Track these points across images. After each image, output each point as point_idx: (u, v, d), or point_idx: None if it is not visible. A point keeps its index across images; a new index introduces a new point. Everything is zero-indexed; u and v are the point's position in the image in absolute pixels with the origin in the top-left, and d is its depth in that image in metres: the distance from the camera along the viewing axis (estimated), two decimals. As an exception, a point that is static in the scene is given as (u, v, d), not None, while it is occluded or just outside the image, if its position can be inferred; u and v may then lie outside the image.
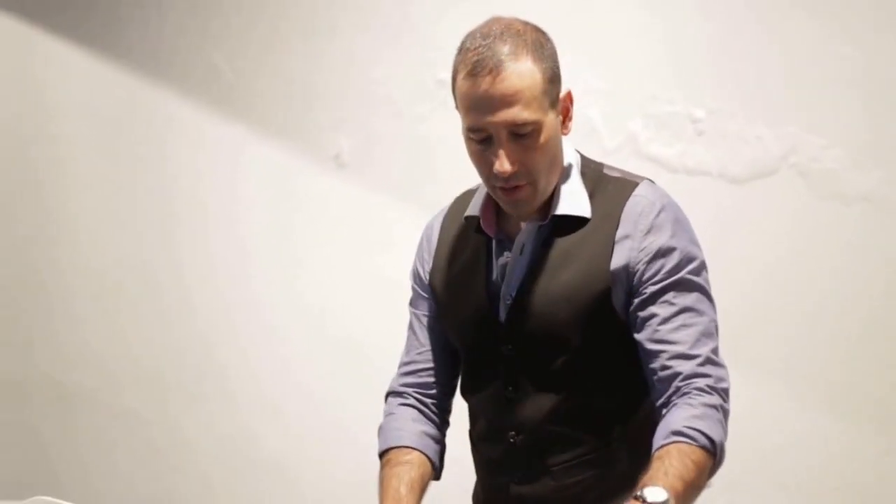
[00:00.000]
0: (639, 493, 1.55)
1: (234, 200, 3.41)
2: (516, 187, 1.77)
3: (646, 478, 1.61)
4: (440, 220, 2.03)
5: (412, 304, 2.06)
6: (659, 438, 1.69)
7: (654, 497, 1.54)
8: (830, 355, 2.59)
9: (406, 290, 2.07)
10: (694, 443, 1.67)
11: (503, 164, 1.74)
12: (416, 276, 2.04)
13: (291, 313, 3.33)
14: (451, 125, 2.88)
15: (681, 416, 1.70)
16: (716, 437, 1.69)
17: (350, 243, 3.23)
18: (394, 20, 3.12)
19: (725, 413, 1.75)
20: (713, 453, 1.69)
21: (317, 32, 3.23)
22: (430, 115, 3.07)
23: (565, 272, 1.82)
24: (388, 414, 2.01)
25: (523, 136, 1.74)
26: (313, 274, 3.29)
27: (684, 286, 1.78)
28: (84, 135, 3.65)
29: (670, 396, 1.74)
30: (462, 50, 1.75)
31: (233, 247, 3.43)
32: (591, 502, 1.86)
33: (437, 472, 1.97)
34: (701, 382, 1.73)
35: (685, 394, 1.72)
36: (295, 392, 3.35)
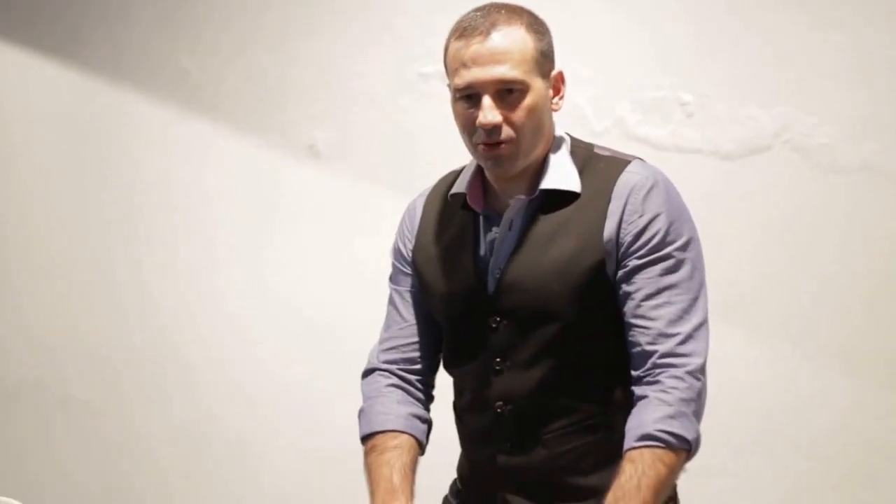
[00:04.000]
0: None
1: (202, 193, 3.36)
2: (499, 143, 1.77)
3: (617, 489, 1.66)
4: (423, 199, 2.03)
5: (392, 280, 2.04)
6: (631, 438, 1.72)
7: None
8: (830, 323, 2.61)
9: (380, 276, 2.06)
10: (667, 447, 1.69)
11: (486, 116, 1.75)
12: (398, 253, 2.03)
13: (259, 301, 3.28)
14: (433, 116, 2.90)
15: (653, 416, 1.71)
16: (689, 435, 1.71)
17: (322, 231, 3.19)
18: (375, 19, 3.12)
19: (700, 396, 1.75)
20: (687, 450, 1.72)
21: (293, 33, 3.22)
22: (411, 106, 3.07)
23: (556, 245, 1.81)
24: (370, 396, 1.98)
25: (510, 95, 1.76)
26: (282, 260, 3.25)
27: (671, 262, 1.78)
28: (40, 134, 3.60)
29: (646, 374, 1.75)
30: (457, 22, 1.81)
31: (199, 238, 3.37)
32: (585, 470, 1.85)
33: (423, 450, 1.95)
34: (678, 370, 1.73)
35: (659, 382, 1.73)
36: (261, 378, 3.29)
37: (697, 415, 1.74)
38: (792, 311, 2.61)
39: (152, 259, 3.43)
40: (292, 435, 3.22)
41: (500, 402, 1.86)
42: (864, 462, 2.57)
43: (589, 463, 1.84)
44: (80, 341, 3.55)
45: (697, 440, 1.72)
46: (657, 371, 1.74)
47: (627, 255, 1.77)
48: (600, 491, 1.80)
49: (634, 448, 1.69)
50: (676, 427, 1.69)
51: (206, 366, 3.35)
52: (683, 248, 1.78)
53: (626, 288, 1.78)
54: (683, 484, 1.95)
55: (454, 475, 2.03)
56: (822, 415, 2.59)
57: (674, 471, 1.70)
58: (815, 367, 2.59)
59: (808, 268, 2.60)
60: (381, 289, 2.04)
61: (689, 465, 1.95)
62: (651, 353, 1.74)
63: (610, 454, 1.76)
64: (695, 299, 1.78)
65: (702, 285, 1.81)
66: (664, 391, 1.72)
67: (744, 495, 2.66)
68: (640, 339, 1.76)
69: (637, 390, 1.76)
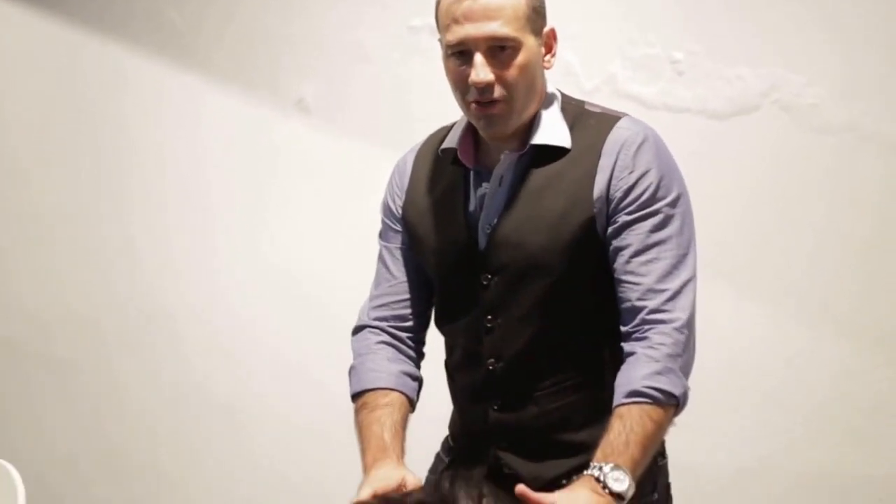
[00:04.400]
0: (600, 476, 1.60)
1: (191, 147, 3.32)
2: (492, 102, 1.77)
3: (606, 446, 1.65)
4: (413, 154, 2.01)
5: (382, 237, 2.03)
6: (619, 395, 1.72)
7: (617, 485, 1.60)
8: (817, 282, 2.63)
9: (371, 233, 2.05)
10: (654, 403, 1.70)
11: (478, 74, 1.74)
12: (387, 210, 2.02)
13: (248, 259, 3.26)
14: (424, 70, 2.88)
15: (641, 372, 1.71)
16: (677, 391, 1.72)
17: (312, 187, 3.17)
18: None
19: (686, 351, 1.76)
20: (675, 405, 1.72)
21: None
22: (401, 60, 3.04)
23: (547, 201, 1.80)
24: (360, 354, 1.97)
25: (502, 52, 1.74)
26: (271, 216, 3.22)
27: (660, 218, 1.78)
28: (28, 87, 3.54)
29: (635, 330, 1.76)
30: None
31: (187, 195, 3.34)
32: (574, 426, 1.86)
33: (414, 407, 1.95)
34: (665, 326, 1.74)
35: (647, 338, 1.74)
36: (250, 339, 3.27)
37: (685, 370, 1.75)
38: (779, 270, 2.63)
39: (140, 216, 3.41)
40: (279, 396, 3.22)
41: (492, 360, 1.86)
42: (852, 420, 2.59)
43: (579, 419, 1.85)
44: (65, 300, 3.53)
45: (685, 395, 1.73)
46: (645, 327, 1.74)
47: (617, 210, 1.77)
48: (590, 447, 1.81)
49: (623, 404, 1.70)
50: (664, 383, 1.70)
51: (193, 326, 3.34)
52: (673, 203, 1.78)
53: (615, 244, 1.78)
54: (671, 439, 1.96)
55: (446, 432, 2.04)
56: (810, 373, 2.61)
57: (662, 426, 1.71)
58: (802, 326, 2.61)
59: (795, 226, 2.61)
60: (372, 245, 2.03)
61: (678, 420, 1.97)
62: (640, 309, 1.75)
63: (599, 411, 1.77)
64: (684, 255, 1.79)
65: (691, 241, 1.81)
66: (652, 347, 1.72)
67: (731, 452, 2.68)
68: (630, 294, 1.76)
69: (626, 346, 1.76)
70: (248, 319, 3.25)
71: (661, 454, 1.92)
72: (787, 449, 2.64)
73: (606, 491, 1.57)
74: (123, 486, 3.42)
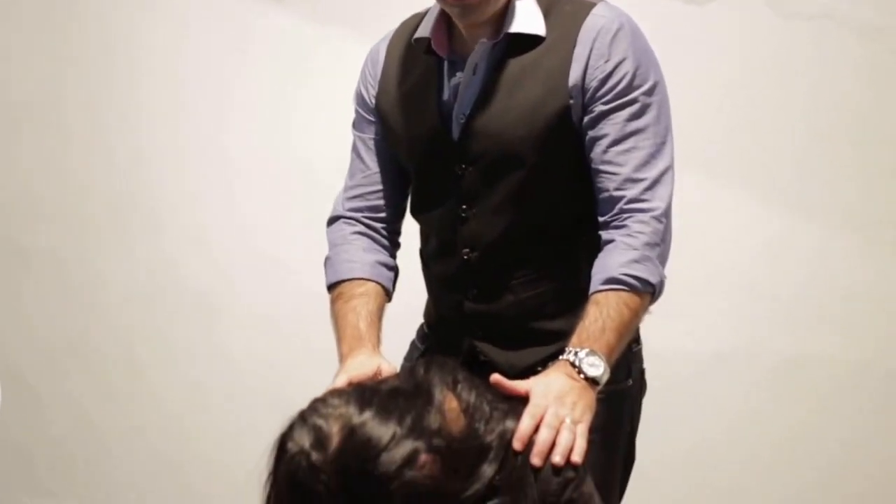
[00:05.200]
0: (575, 360, 1.59)
1: (171, 39, 3.24)
2: None
3: (581, 332, 1.65)
4: (386, 43, 1.98)
5: (356, 126, 2.02)
6: (596, 282, 1.72)
7: (592, 371, 1.59)
8: (792, 171, 2.63)
9: (346, 122, 2.03)
10: (631, 290, 1.70)
11: None
12: (360, 99, 2.00)
13: (225, 145, 3.21)
14: None
15: (619, 260, 1.72)
16: (653, 279, 1.72)
17: (287, 77, 3.12)
18: None
19: (664, 241, 1.76)
20: (651, 293, 1.73)
21: None
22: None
23: (521, 90, 1.79)
24: (335, 244, 1.97)
25: None
26: (248, 106, 3.16)
27: (637, 107, 1.77)
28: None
29: (613, 219, 1.76)
30: None
31: (162, 82, 3.28)
32: (550, 315, 1.88)
33: (390, 297, 1.95)
34: (644, 215, 1.74)
35: (625, 226, 1.74)
36: (226, 230, 3.25)
37: (662, 258, 1.75)
38: (754, 159, 2.63)
39: (116, 106, 3.35)
40: (257, 289, 3.22)
41: (467, 249, 1.86)
42: (826, 306, 2.62)
43: (554, 308, 1.86)
44: (39, 190, 3.49)
45: (661, 284, 1.74)
46: (624, 216, 1.74)
47: (594, 100, 1.76)
48: (565, 334, 1.82)
49: (599, 291, 1.70)
50: (641, 271, 1.71)
51: (172, 218, 3.32)
52: (650, 92, 1.77)
53: (592, 134, 1.77)
54: (646, 326, 1.98)
55: (421, 321, 2.05)
56: (784, 261, 2.63)
57: (637, 314, 1.72)
58: (776, 212, 2.62)
59: (771, 113, 2.61)
60: (348, 135, 2.02)
61: (653, 308, 1.99)
62: (618, 199, 1.75)
63: (575, 299, 1.77)
64: (662, 144, 1.78)
65: (668, 130, 1.80)
66: (630, 235, 1.73)
67: (705, 338, 2.71)
68: (607, 184, 1.76)
69: (604, 234, 1.76)
70: (226, 212, 3.23)
71: (636, 340, 1.95)
72: (761, 335, 2.67)
73: (581, 376, 1.58)
74: (99, 380, 3.43)
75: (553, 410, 1.48)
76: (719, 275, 2.67)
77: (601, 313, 1.67)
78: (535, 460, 1.43)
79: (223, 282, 3.25)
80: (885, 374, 2.58)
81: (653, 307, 1.93)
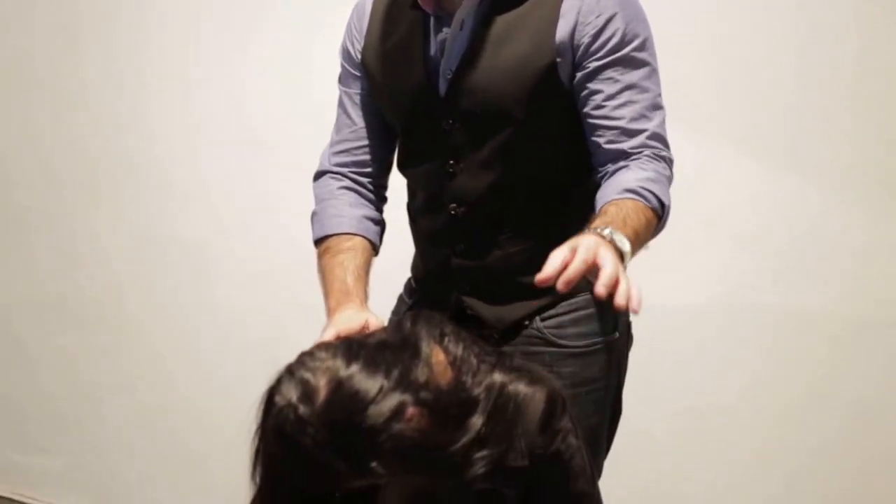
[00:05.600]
0: (604, 231, 1.50)
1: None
2: None
3: (607, 219, 1.59)
4: None
5: (341, 81, 2.01)
6: (611, 193, 1.69)
7: (622, 245, 1.51)
8: (775, 119, 2.62)
9: (333, 77, 2.02)
10: (647, 203, 1.68)
11: None
12: (346, 54, 1.99)
13: (212, 102, 3.18)
14: None
15: (634, 176, 1.71)
16: (666, 201, 1.72)
17: (276, 33, 3.08)
18: None
19: (670, 181, 1.78)
20: (661, 216, 1.71)
21: None
22: None
23: (509, 46, 1.78)
24: (322, 199, 1.97)
25: None
26: (235, 62, 3.14)
27: (629, 63, 1.77)
28: None
29: (617, 166, 1.75)
30: None
31: (144, 40, 3.25)
32: (538, 269, 1.83)
33: (377, 251, 1.96)
34: (648, 151, 1.75)
35: (635, 159, 1.74)
36: (214, 185, 3.23)
37: (669, 189, 1.75)
38: (744, 113, 2.62)
39: (99, 63, 3.33)
40: (246, 243, 3.22)
41: (454, 205, 1.86)
42: (814, 259, 2.62)
43: (541, 262, 1.81)
44: (22, 146, 3.48)
45: (668, 211, 1.73)
46: (632, 157, 1.74)
47: (587, 56, 1.76)
48: (553, 288, 1.84)
49: (615, 199, 1.65)
50: (655, 188, 1.69)
51: (158, 173, 3.30)
52: (641, 47, 1.77)
53: (587, 90, 1.77)
54: (633, 278, 1.99)
55: (409, 275, 2.06)
56: (772, 215, 2.63)
57: (650, 228, 1.67)
58: (765, 167, 2.61)
59: (760, 68, 2.60)
60: (335, 90, 2.01)
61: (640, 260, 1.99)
62: (620, 151, 1.75)
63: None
64: (657, 96, 1.79)
65: (659, 85, 1.81)
66: (642, 163, 1.73)
67: (689, 293, 2.71)
68: (606, 137, 1.76)
69: (612, 168, 1.75)
70: (215, 167, 3.22)
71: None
72: (749, 286, 2.67)
73: (611, 244, 1.48)
74: (88, 335, 3.44)
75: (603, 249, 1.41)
76: (707, 229, 2.67)
77: (621, 210, 1.62)
78: (601, 290, 1.37)
79: (213, 236, 3.24)
80: (864, 325, 2.59)
81: (649, 244, 1.94)
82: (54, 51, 3.36)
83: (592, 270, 1.40)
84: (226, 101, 3.17)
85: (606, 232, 1.50)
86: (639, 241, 1.60)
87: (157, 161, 3.29)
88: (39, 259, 3.50)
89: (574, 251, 1.41)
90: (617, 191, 1.68)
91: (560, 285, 1.40)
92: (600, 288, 1.37)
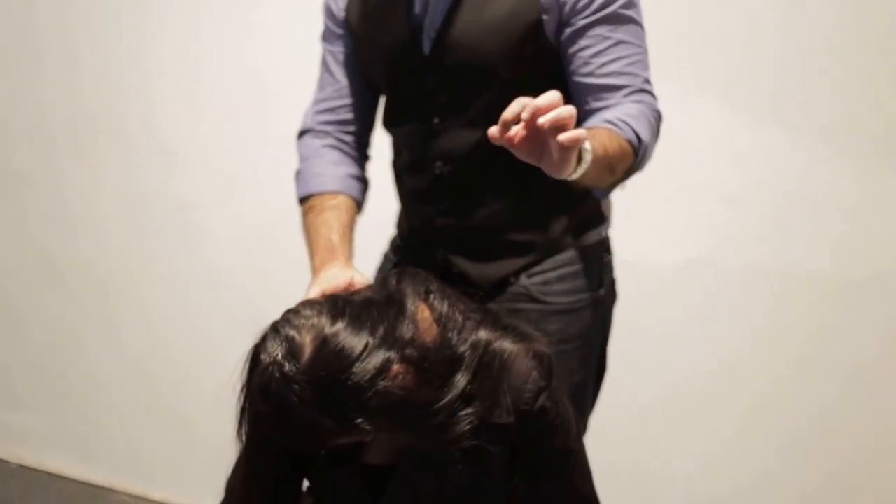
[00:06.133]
0: None
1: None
2: None
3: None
4: None
5: (325, 39, 1.99)
6: (589, 124, 1.70)
7: (583, 150, 1.50)
8: (762, 77, 2.59)
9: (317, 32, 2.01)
10: (622, 133, 1.68)
11: None
12: (329, 12, 1.97)
13: (198, 55, 3.16)
14: None
15: (616, 112, 1.72)
16: (644, 136, 1.71)
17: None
18: None
19: (656, 131, 1.78)
20: (636, 152, 1.70)
21: None
22: None
23: (493, 4, 1.77)
24: (306, 157, 1.96)
25: None
26: (223, 17, 3.11)
27: (616, 19, 1.77)
28: None
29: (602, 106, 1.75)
30: None
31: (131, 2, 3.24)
32: (524, 226, 1.88)
33: (361, 209, 1.95)
34: (635, 98, 1.76)
35: (621, 104, 1.74)
36: (196, 142, 3.20)
37: (653, 132, 1.75)
38: (725, 68, 2.61)
39: (84, 22, 3.30)
40: (231, 199, 3.20)
41: (439, 163, 1.86)
42: (797, 217, 2.62)
43: (526, 220, 1.86)
44: (15, 114, 3.45)
45: (646, 152, 1.73)
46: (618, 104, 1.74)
47: (574, 13, 1.75)
48: (537, 246, 1.85)
49: (593, 126, 1.67)
50: (634, 123, 1.70)
51: (141, 132, 3.28)
52: (628, 4, 1.77)
53: (574, 47, 1.76)
54: (616, 236, 1.99)
55: (394, 232, 2.05)
56: (753, 172, 2.62)
57: (623, 156, 1.67)
58: (746, 125, 2.60)
59: (744, 22, 2.58)
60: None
61: (616, 209, 1.99)
62: (606, 106, 1.75)
63: (547, 210, 1.79)
64: (643, 52, 1.80)
65: (645, 41, 1.81)
66: (625, 105, 1.73)
67: (671, 249, 2.71)
68: (595, 94, 1.76)
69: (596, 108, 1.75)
70: (194, 125, 3.20)
71: (607, 250, 1.96)
72: (731, 243, 2.67)
73: None
74: (75, 295, 3.43)
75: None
76: (689, 185, 2.66)
77: (593, 132, 1.62)
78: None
79: (199, 196, 3.22)
80: (851, 283, 2.60)
81: (615, 208, 1.95)
82: (48, 12, 3.32)
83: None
84: (216, 62, 3.14)
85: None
86: (607, 162, 1.61)
87: (140, 120, 3.26)
88: (23, 221, 3.49)
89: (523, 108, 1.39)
90: (596, 121, 1.70)
91: (506, 139, 1.42)
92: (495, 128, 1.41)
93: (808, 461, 2.69)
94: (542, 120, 1.35)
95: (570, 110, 1.37)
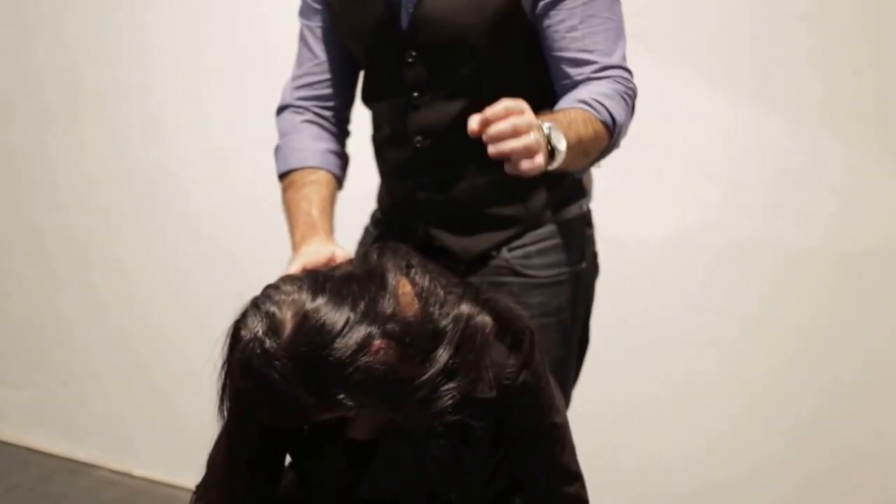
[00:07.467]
0: (543, 125, 1.52)
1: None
2: None
3: (551, 117, 1.60)
4: None
5: (302, 14, 1.97)
6: (564, 103, 1.71)
7: (557, 142, 1.54)
8: (740, 54, 2.60)
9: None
10: (597, 114, 1.68)
11: None
12: None
13: (183, 33, 3.15)
14: None
15: (589, 90, 1.72)
16: (618, 117, 1.71)
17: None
18: None
19: (631, 108, 1.77)
20: (611, 132, 1.71)
21: None
22: None
23: None
24: (285, 133, 1.95)
25: None
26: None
27: None
28: None
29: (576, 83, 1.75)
30: None
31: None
32: (505, 200, 1.88)
33: (341, 185, 1.95)
34: (610, 74, 1.75)
35: (595, 80, 1.74)
36: (179, 113, 3.17)
37: (627, 112, 1.75)
38: (708, 42, 2.60)
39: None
40: (214, 171, 3.19)
41: (419, 137, 1.85)
42: (779, 191, 2.62)
43: (507, 194, 1.86)
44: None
45: (621, 132, 1.73)
46: (593, 80, 1.74)
47: None
48: (518, 220, 1.85)
49: (567, 107, 1.68)
50: (608, 103, 1.70)
51: (122, 101, 3.25)
52: None
53: (548, 21, 1.76)
54: (599, 209, 1.99)
55: (374, 206, 2.04)
56: (738, 146, 2.62)
57: (598, 139, 1.68)
58: (730, 99, 2.60)
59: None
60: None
61: (600, 185, 1.99)
62: (582, 79, 1.74)
63: (528, 184, 1.77)
64: (619, 28, 1.79)
65: (621, 15, 1.80)
66: (600, 83, 1.73)
67: (654, 223, 2.71)
68: (570, 69, 1.75)
69: (571, 85, 1.75)
70: (178, 96, 3.18)
71: (588, 224, 1.96)
72: (713, 220, 2.67)
73: (546, 141, 1.52)
74: (56, 267, 3.42)
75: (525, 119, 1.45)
76: (672, 160, 2.66)
77: (567, 116, 1.63)
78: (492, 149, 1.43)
79: (186, 168, 3.20)
80: (839, 259, 2.60)
81: (596, 187, 1.95)
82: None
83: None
84: (206, 34, 3.12)
85: (546, 126, 1.52)
86: (582, 149, 1.63)
87: (122, 90, 3.24)
88: (14, 192, 3.46)
89: (508, 115, 1.43)
90: (570, 102, 1.70)
91: (483, 133, 1.44)
92: (478, 119, 1.44)
93: (804, 445, 2.70)
94: (485, 138, 1.43)
95: (511, 123, 1.42)
